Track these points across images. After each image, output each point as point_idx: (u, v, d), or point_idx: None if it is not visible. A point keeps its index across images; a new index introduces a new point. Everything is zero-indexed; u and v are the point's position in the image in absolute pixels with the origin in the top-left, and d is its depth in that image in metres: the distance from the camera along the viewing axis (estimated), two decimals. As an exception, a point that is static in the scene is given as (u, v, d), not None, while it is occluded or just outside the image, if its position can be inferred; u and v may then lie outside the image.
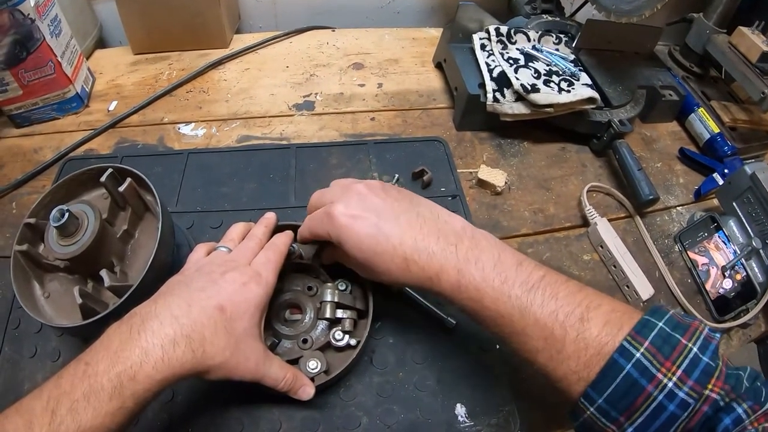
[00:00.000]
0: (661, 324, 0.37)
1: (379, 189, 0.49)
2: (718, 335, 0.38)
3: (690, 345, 0.36)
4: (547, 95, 0.73)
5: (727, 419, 0.34)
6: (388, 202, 0.47)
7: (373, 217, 0.46)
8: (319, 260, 0.56)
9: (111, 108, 0.85)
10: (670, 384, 0.35)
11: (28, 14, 0.68)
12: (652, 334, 0.37)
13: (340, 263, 0.54)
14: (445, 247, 0.44)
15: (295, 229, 0.56)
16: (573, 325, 0.39)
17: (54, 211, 0.46)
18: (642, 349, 0.36)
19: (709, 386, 0.35)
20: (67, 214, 0.46)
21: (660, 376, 0.35)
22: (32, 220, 0.51)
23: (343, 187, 0.50)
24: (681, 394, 0.34)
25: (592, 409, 0.38)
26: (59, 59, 0.76)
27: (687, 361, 0.35)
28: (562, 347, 0.39)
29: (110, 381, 0.36)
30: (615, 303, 0.40)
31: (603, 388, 0.37)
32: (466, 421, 0.53)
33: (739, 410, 0.34)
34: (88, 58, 0.94)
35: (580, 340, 0.38)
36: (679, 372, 0.35)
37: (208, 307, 0.43)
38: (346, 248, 0.47)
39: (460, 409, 0.54)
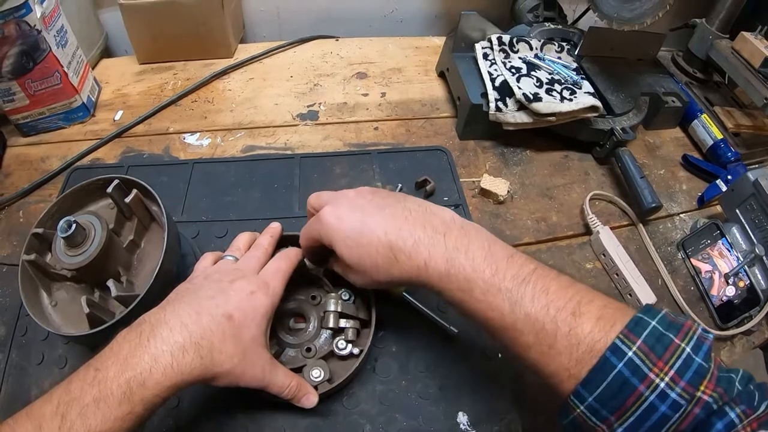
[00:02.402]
0: (654, 323, 0.37)
1: (367, 192, 0.50)
2: (711, 335, 0.37)
3: (683, 345, 0.35)
4: (549, 104, 0.74)
5: (719, 424, 0.33)
6: (374, 201, 0.48)
7: (359, 214, 0.46)
8: (323, 267, 0.57)
9: (117, 117, 0.85)
10: (662, 384, 0.34)
11: (35, 25, 0.69)
12: (645, 332, 0.36)
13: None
14: (432, 235, 0.44)
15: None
16: (565, 319, 0.38)
17: (61, 222, 0.47)
18: (634, 348, 0.35)
19: (702, 388, 0.34)
20: (74, 225, 0.47)
21: (652, 375, 0.35)
22: (40, 230, 0.52)
23: (333, 194, 0.51)
24: (673, 395, 0.34)
25: (582, 408, 0.37)
26: (65, 69, 0.77)
27: (680, 362, 0.35)
28: (554, 342, 0.38)
29: (120, 387, 0.37)
30: (607, 299, 0.40)
31: (594, 386, 0.36)
32: (469, 429, 0.53)
33: (732, 414, 0.33)
34: (94, 68, 0.95)
35: (572, 336, 0.38)
36: (671, 372, 0.34)
37: (217, 315, 0.43)
38: (336, 248, 0.47)
39: (462, 417, 0.54)
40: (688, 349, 0.35)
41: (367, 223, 0.45)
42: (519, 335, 0.40)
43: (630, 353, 0.35)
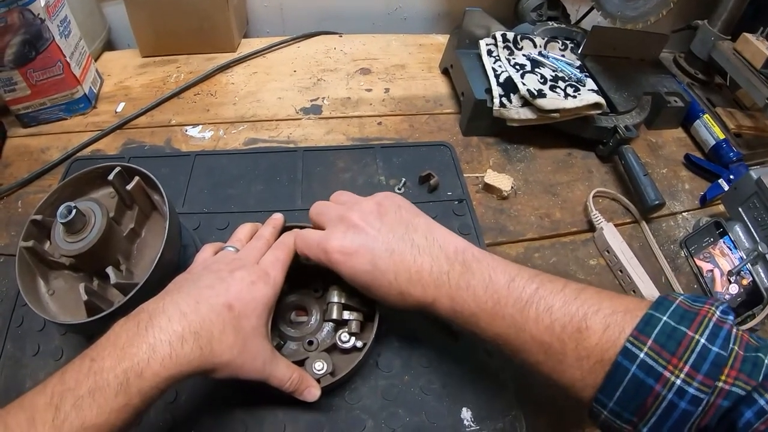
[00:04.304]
0: (665, 318, 0.36)
1: (374, 218, 0.48)
2: (731, 317, 0.36)
3: (697, 337, 0.35)
4: (553, 100, 0.74)
5: (748, 412, 0.32)
6: (382, 233, 0.47)
7: (368, 254, 0.46)
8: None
9: (119, 109, 0.85)
10: (679, 381, 0.34)
11: (38, 14, 0.69)
12: (656, 330, 0.35)
13: None
14: (438, 277, 0.45)
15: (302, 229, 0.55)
16: (571, 336, 0.39)
17: (61, 208, 0.46)
18: (646, 348, 0.35)
19: (722, 377, 0.34)
20: (74, 211, 0.46)
21: (667, 374, 0.34)
22: (39, 217, 0.51)
23: (338, 215, 0.50)
24: (691, 390, 0.33)
25: (605, 413, 0.37)
26: (68, 60, 0.76)
27: (695, 355, 0.34)
28: (563, 358, 0.39)
29: (116, 377, 0.36)
30: (616, 302, 0.39)
31: (611, 391, 0.36)
32: (472, 425, 0.52)
33: (762, 402, 0.32)
34: (96, 60, 0.95)
35: (581, 350, 0.38)
36: (686, 368, 0.34)
37: (217, 305, 0.42)
38: (343, 278, 0.48)
39: (466, 413, 0.53)
40: (702, 341, 0.34)
41: (378, 267, 0.46)
42: (528, 355, 0.42)
43: (642, 354, 0.35)
